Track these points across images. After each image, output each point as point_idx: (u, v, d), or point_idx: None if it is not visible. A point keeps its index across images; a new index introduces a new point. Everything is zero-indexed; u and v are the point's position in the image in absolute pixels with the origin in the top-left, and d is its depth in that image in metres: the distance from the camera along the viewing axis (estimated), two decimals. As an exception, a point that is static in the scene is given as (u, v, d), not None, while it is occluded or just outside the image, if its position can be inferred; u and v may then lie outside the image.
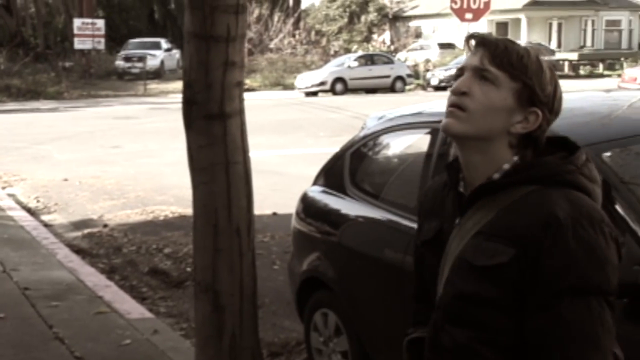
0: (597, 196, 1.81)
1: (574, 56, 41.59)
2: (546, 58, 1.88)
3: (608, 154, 3.24)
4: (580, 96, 4.50)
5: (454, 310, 1.82)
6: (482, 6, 18.77)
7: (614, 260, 1.74)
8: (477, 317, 1.77)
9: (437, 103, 5.09)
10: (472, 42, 1.87)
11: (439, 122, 3.94)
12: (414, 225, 3.80)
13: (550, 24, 47.19)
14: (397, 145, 4.75)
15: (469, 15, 18.81)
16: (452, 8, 19.03)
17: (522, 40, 42.53)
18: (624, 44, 48.36)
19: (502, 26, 47.33)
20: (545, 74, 1.82)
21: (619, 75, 29.98)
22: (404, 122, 4.48)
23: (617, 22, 48.75)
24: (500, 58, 1.80)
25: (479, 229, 1.80)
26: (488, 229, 1.78)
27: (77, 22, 36.79)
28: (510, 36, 46.66)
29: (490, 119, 1.79)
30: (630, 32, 49.09)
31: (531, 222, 1.72)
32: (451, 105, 1.82)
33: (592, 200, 1.78)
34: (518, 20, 46.04)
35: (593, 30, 48.40)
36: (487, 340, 1.77)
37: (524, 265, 1.72)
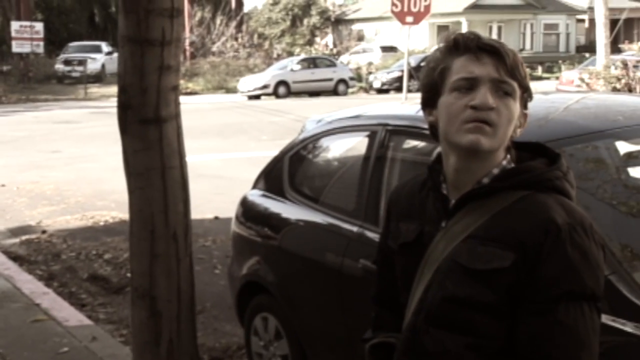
0: (574, 200, 1.84)
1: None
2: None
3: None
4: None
5: (442, 313, 1.79)
6: (422, 9, 18.89)
7: (603, 266, 1.77)
8: (468, 321, 1.76)
9: (376, 106, 5.12)
10: (476, 46, 1.79)
11: (377, 124, 4.00)
12: (353, 229, 3.85)
13: (491, 27, 47.81)
14: (336, 149, 4.76)
15: (409, 19, 18.93)
16: (392, 11, 19.11)
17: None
18: (562, 47, 49.23)
19: (443, 29, 47.76)
20: (525, 69, 1.83)
21: (557, 78, 30.53)
22: (343, 125, 4.49)
23: (554, 26, 49.62)
24: (512, 68, 1.78)
25: (470, 233, 1.78)
26: (482, 233, 1.77)
27: (14, 25, 36.12)
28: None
29: (508, 130, 1.80)
30: (568, 35, 50.00)
31: (531, 227, 1.73)
32: (478, 120, 1.75)
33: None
34: (459, 24, 46.54)
35: (532, 34, 49.21)
36: (475, 346, 1.76)
37: (522, 271, 1.72)
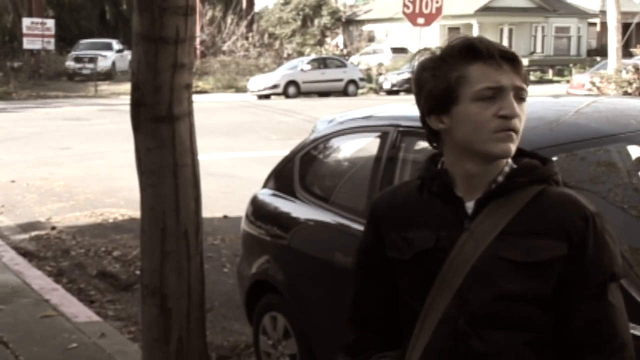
0: None
1: (524, 62, 41.83)
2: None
3: (555, 158, 3.29)
4: (529, 101, 4.55)
5: (495, 312, 1.78)
6: (434, 11, 18.88)
7: None
8: (524, 317, 1.78)
9: (387, 107, 5.12)
10: (498, 54, 1.79)
11: (389, 125, 4.01)
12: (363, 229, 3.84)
13: (502, 30, 47.75)
14: (347, 149, 4.76)
15: (421, 20, 18.93)
16: (404, 13, 19.12)
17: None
18: (573, 51, 49.13)
19: (454, 31, 47.68)
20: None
21: (568, 81, 30.45)
22: (354, 126, 4.50)
23: (566, 29, 49.52)
24: (524, 73, 1.83)
25: (503, 230, 1.79)
26: (518, 228, 1.79)
27: (26, 21, 36.23)
28: (461, 41, 46.92)
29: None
30: (579, 38, 49.89)
31: (572, 216, 1.79)
32: (509, 129, 1.78)
33: None
34: (470, 26, 46.48)
35: (543, 37, 49.10)
36: (532, 341, 1.79)
37: (570, 258, 1.78)
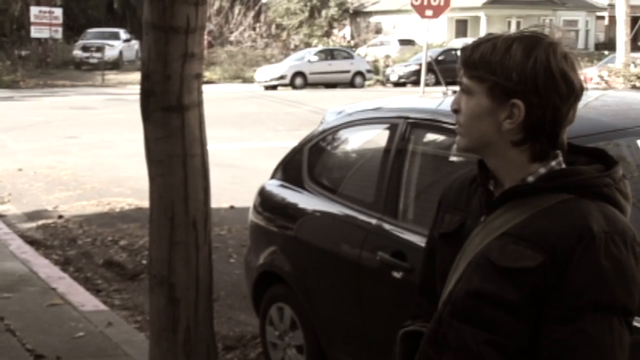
0: (628, 214, 1.78)
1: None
2: (546, 41, 1.77)
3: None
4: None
5: (465, 307, 1.79)
6: (442, 3, 18.80)
7: None
8: (490, 318, 1.75)
9: (396, 99, 5.11)
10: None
11: (398, 117, 4.01)
12: (372, 221, 3.85)
13: (509, 22, 47.61)
14: (356, 140, 4.76)
15: (429, 12, 18.85)
16: (412, 4, 19.03)
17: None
18: (581, 44, 49.00)
19: (462, 24, 47.66)
20: (513, 59, 1.73)
21: (576, 75, 30.30)
22: (363, 117, 4.49)
23: (574, 22, 49.38)
24: (469, 66, 1.80)
25: (506, 230, 1.77)
26: (516, 231, 1.75)
27: (33, 10, 36.23)
28: (469, 34, 46.39)
29: (477, 127, 1.79)
30: (587, 32, 49.76)
31: (564, 231, 1.69)
32: (455, 123, 1.86)
33: (624, 217, 1.75)
34: (477, 18, 46.39)
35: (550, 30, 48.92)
36: (495, 343, 1.74)
37: (550, 274, 1.69)
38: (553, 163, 1.80)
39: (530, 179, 1.79)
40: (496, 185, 1.86)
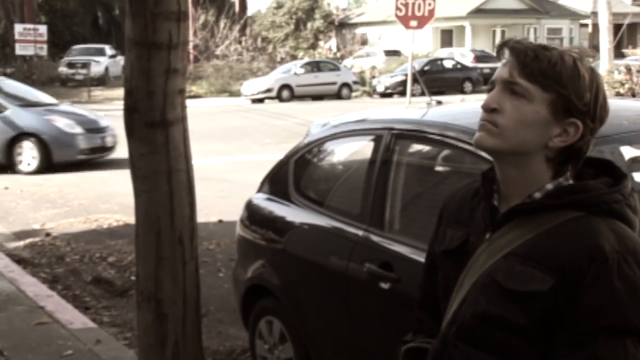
0: (637, 229, 1.74)
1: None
2: (588, 61, 1.75)
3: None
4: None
5: (472, 329, 1.73)
6: (426, 14, 18.87)
7: None
8: (498, 341, 1.68)
9: (381, 110, 5.12)
10: (501, 50, 1.76)
11: (382, 128, 4.01)
12: (358, 232, 3.85)
13: (494, 32, 47.84)
14: (341, 152, 4.77)
15: (413, 23, 18.92)
16: (397, 16, 19.10)
17: (467, 47, 43.08)
18: (565, 52, 49.19)
19: (447, 34, 47.84)
20: (583, 79, 1.69)
21: (561, 83, 30.44)
22: (348, 129, 4.50)
23: (558, 31, 49.63)
24: (530, 68, 1.69)
25: (512, 250, 1.70)
26: (524, 251, 1.68)
27: (18, 27, 36.11)
28: (455, 44, 46.50)
29: (523, 133, 1.70)
30: (571, 40, 49.95)
31: (575, 252, 1.63)
32: (482, 120, 1.74)
33: (634, 233, 1.70)
34: (462, 28, 46.58)
35: (535, 38, 49.01)
36: None
37: (560, 297, 1.63)
38: (561, 179, 1.74)
39: (537, 195, 1.73)
40: (500, 199, 1.80)
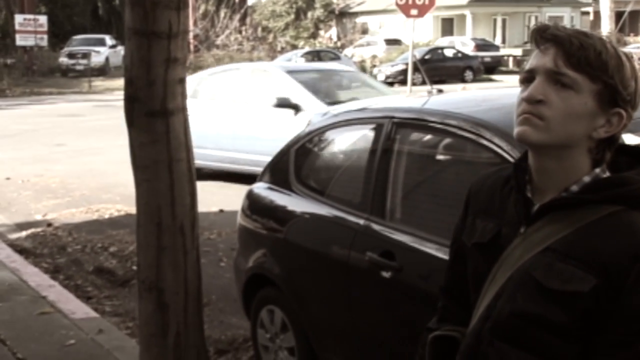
0: None
1: (518, 52, 42.17)
2: (625, 49, 1.72)
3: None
4: (512, 93, 4.55)
5: (509, 327, 1.68)
6: (427, 2, 18.83)
7: None
8: (536, 340, 1.64)
9: (381, 99, 5.11)
10: (540, 37, 1.68)
11: (383, 117, 4.00)
12: (360, 221, 3.85)
13: (495, 20, 47.76)
14: (342, 141, 4.75)
15: (414, 12, 18.87)
16: (397, 4, 19.05)
17: (468, 36, 42.99)
18: (567, 40, 49.09)
19: (448, 22, 47.75)
20: (626, 68, 1.65)
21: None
22: (349, 118, 4.49)
23: (559, 19, 49.39)
24: (576, 58, 1.62)
25: (550, 245, 1.65)
26: (563, 248, 1.63)
27: (18, 18, 36.12)
28: (455, 33, 46.39)
29: (571, 126, 1.64)
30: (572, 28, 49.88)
31: (617, 250, 1.58)
32: (526, 112, 1.65)
33: None
34: (463, 17, 46.49)
35: (537, 26, 49.08)
36: None
37: (603, 297, 1.58)
38: (597, 170, 1.70)
39: (575, 188, 1.68)
40: (533, 191, 1.75)
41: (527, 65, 1.70)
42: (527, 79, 1.69)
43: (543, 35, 1.67)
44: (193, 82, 11.66)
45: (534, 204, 1.73)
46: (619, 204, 1.64)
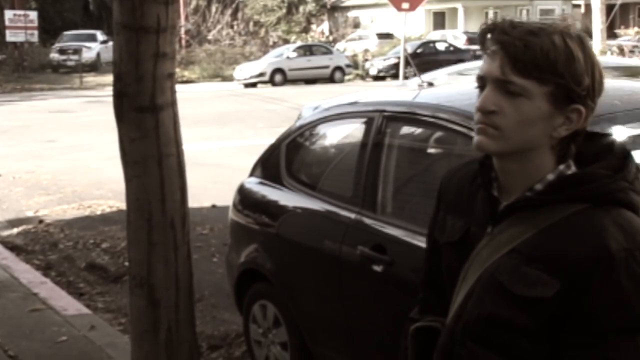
0: None
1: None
2: (575, 33, 1.62)
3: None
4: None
5: (479, 330, 1.69)
6: (418, -4, 18.89)
7: None
8: (507, 343, 1.64)
9: (372, 92, 5.10)
10: (486, 40, 1.63)
11: (374, 111, 3.99)
12: (351, 215, 3.84)
13: (487, 13, 47.69)
14: (333, 135, 4.75)
15: (405, 5, 18.86)
16: (389, -2, 19.10)
17: (460, 29, 42.97)
18: (558, 33, 49.11)
19: (440, 16, 47.73)
20: (578, 62, 1.59)
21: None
22: (340, 112, 4.48)
23: (550, 12, 49.49)
24: (522, 62, 1.58)
25: (515, 247, 1.64)
26: (527, 250, 1.62)
27: (8, 13, 35.94)
28: (447, 26, 46.38)
29: (528, 132, 1.61)
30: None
31: (580, 252, 1.56)
32: (481, 123, 1.63)
33: None
34: (455, 10, 46.49)
35: (528, 19, 48.90)
36: None
37: (568, 300, 1.57)
38: (562, 167, 1.67)
39: (539, 186, 1.66)
40: (500, 189, 1.73)
41: (479, 71, 1.67)
42: (479, 87, 1.66)
43: (490, 38, 1.63)
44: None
45: (500, 202, 1.72)
46: (583, 202, 1.62)
